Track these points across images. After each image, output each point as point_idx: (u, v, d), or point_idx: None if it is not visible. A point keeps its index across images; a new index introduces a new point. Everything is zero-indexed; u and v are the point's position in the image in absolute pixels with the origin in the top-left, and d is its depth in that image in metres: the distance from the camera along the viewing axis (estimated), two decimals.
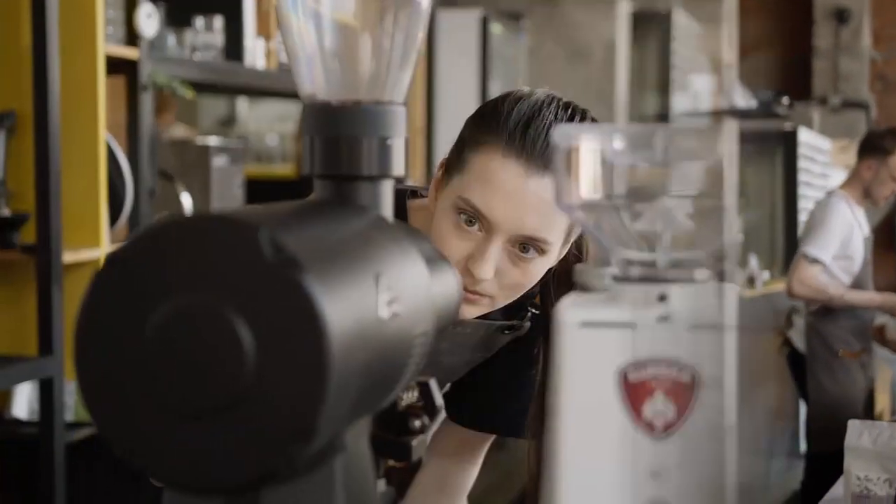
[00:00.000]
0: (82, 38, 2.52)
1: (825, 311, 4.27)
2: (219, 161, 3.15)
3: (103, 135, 2.56)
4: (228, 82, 3.22)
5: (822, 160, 7.65)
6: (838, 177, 8.45)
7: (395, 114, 0.82)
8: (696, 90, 5.54)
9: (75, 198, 2.53)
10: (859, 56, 9.02)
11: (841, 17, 8.90)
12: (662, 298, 0.70)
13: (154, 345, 0.63)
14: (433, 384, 0.87)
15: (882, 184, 4.22)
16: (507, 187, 1.24)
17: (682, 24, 7.43)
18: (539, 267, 1.29)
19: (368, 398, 0.71)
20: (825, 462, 4.17)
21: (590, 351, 0.70)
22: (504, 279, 1.28)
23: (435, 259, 0.87)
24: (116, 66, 2.70)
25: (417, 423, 0.88)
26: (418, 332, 0.76)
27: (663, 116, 7.34)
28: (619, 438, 0.69)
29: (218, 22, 3.08)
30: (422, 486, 1.47)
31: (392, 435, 0.88)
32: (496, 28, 5.65)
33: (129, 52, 2.72)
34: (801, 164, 7.04)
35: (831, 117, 8.10)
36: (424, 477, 1.48)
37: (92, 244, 2.57)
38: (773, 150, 6.96)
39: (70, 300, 2.45)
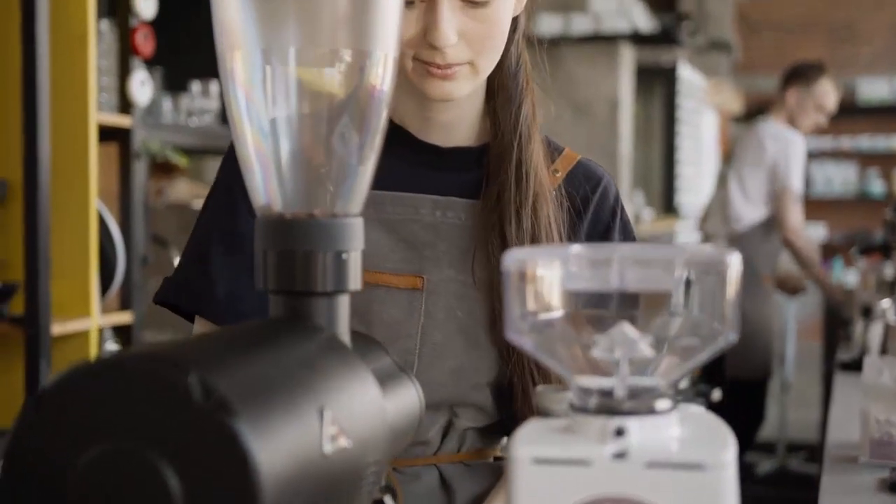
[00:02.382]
0: (74, 106, 2.51)
1: (751, 236, 4.33)
2: None
3: (94, 204, 2.54)
4: (224, 147, 3.21)
5: (698, 97, 7.70)
6: (709, 115, 8.53)
7: (351, 226, 0.80)
8: (596, 11, 5.45)
9: (66, 267, 2.51)
10: None
11: None
12: (620, 433, 0.67)
13: (79, 491, 0.60)
14: (388, 501, 0.84)
15: (806, 113, 4.35)
16: None
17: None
18: (501, 10, 1.18)
19: None
20: (741, 389, 4.23)
21: (544, 489, 0.67)
22: (471, 38, 1.17)
23: (393, 375, 0.84)
24: (110, 133, 2.69)
25: None
26: (370, 461, 0.73)
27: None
28: None
29: (214, 86, 3.08)
30: None
31: None
32: None
33: (122, 121, 2.71)
34: (679, 100, 7.06)
35: (696, 57, 8.12)
36: None
37: (82, 314, 2.54)
38: (652, 84, 6.97)
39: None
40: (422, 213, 1.26)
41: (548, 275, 0.69)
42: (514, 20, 1.26)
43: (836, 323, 4.67)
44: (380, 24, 0.78)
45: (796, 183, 4.27)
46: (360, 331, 1.19)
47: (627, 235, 1.34)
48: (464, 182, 1.28)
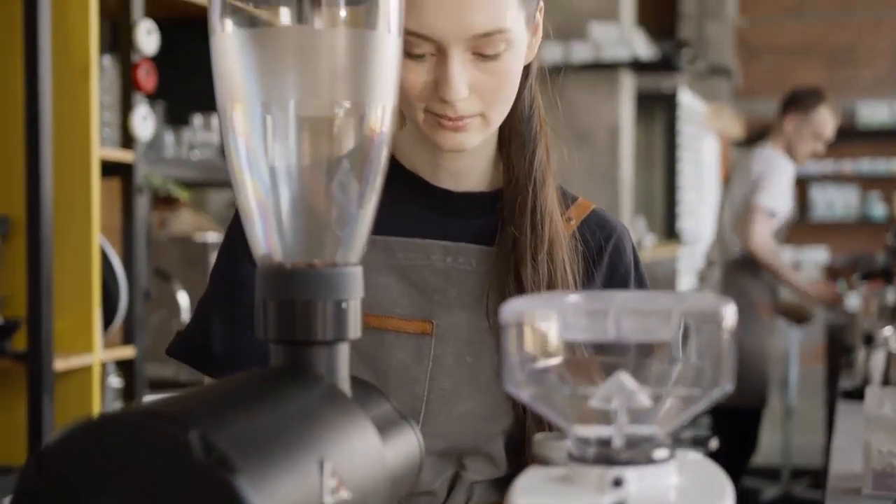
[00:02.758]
0: (77, 141, 2.53)
1: (744, 264, 4.28)
2: None
3: (97, 239, 2.55)
4: (225, 180, 3.23)
5: (699, 122, 7.73)
6: (710, 140, 8.56)
7: (350, 276, 0.80)
8: (596, 39, 5.46)
9: (68, 303, 2.52)
10: (724, 22, 9.18)
11: None
12: (618, 483, 0.67)
13: None
14: None
15: (803, 141, 4.31)
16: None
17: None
18: (512, 61, 1.17)
19: None
20: (735, 417, 4.20)
21: None
22: (482, 90, 1.16)
23: (393, 421, 0.85)
24: (112, 168, 2.71)
25: None
26: None
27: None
28: None
29: (216, 120, 3.10)
30: None
31: None
32: None
33: (125, 155, 2.72)
34: (680, 126, 7.08)
35: (697, 83, 8.15)
36: None
37: (85, 350, 2.55)
38: (652, 110, 6.97)
39: (61, 409, 2.42)
40: (433, 259, 1.25)
41: (545, 325, 0.70)
42: (527, 67, 1.25)
43: (839, 348, 4.66)
44: (378, 76, 0.79)
45: (769, 200, 4.22)
46: (368, 375, 1.20)
47: (643, 288, 1.34)
48: (476, 228, 1.27)
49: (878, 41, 9.84)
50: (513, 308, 0.69)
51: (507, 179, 1.28)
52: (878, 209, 9.92)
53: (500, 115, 1.20)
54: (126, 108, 2.71)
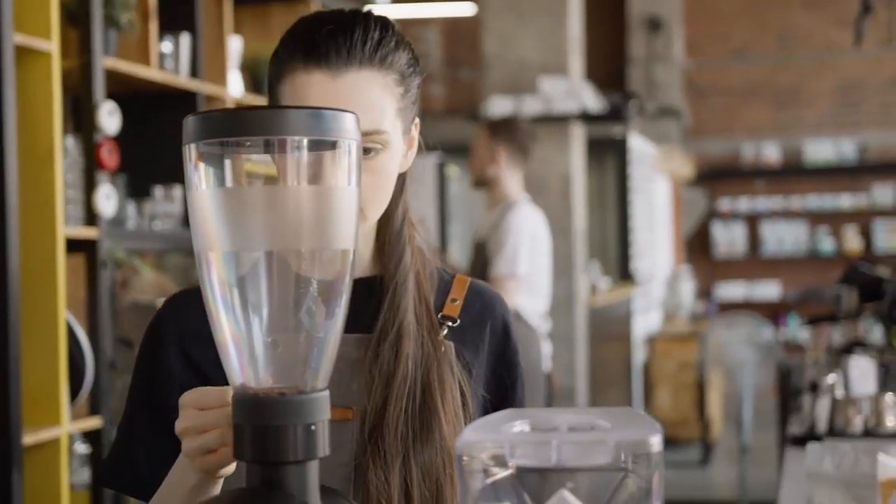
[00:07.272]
0: (42, 221, 2.59)
1: None
2: None
3: (63, 315, 2.61)
4: (187, 248, 3.30)
5: (650, 164, 7.92)
6: (662, 181, 8.75)
7: (318, 401, 0.89)
8: (547, 93, 5.54)
9: (36, 378, 2.57)
10: (672, 65, 9.44)
11: (653, 26, 9.30)
12: None
13: None
14: None
15: None
16: (315, 97, 1.18)
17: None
18: (388, 162, 1.23)
19: None
20: None
21: None
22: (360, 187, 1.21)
23: None
24: (76, 244, 2.77)
25: None
26: None
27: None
28: None
29: (177, 191, 3.17)
30: None
31: None
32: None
33: (89, 232, 2.79)
34: (630, 169, 7.26)
35: (647, 124, 8.34)
36: None
37: (53, 423, 2.60)
38: (602, 155, 7.13)
39: (30, 482, 2.47)
40: (343, 351, 1.32)
41: (495, 453, 0.79)
42: (402, 177, 1.32)
43: (789, 387, 4.75)
44: (339, 223, 0.89)
45: None
46: None
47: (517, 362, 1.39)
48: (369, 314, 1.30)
49: (821, 82, 10.09)
50: (465, 440, 0.78)
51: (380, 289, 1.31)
52: (827, 244, 10.14)
53: (375, 212, 1.26)
54: (89, 186, 2.78)
